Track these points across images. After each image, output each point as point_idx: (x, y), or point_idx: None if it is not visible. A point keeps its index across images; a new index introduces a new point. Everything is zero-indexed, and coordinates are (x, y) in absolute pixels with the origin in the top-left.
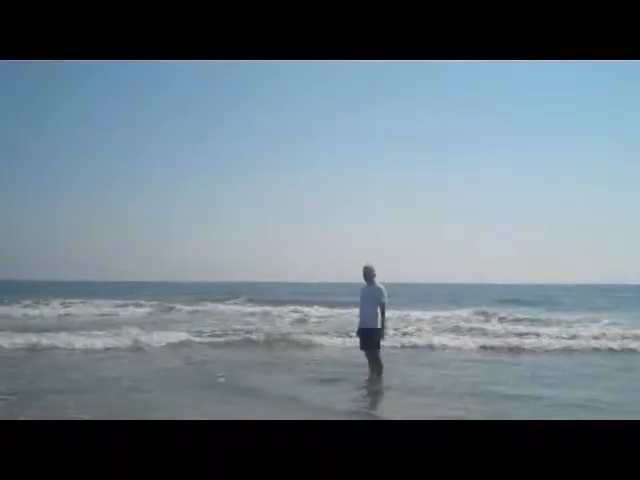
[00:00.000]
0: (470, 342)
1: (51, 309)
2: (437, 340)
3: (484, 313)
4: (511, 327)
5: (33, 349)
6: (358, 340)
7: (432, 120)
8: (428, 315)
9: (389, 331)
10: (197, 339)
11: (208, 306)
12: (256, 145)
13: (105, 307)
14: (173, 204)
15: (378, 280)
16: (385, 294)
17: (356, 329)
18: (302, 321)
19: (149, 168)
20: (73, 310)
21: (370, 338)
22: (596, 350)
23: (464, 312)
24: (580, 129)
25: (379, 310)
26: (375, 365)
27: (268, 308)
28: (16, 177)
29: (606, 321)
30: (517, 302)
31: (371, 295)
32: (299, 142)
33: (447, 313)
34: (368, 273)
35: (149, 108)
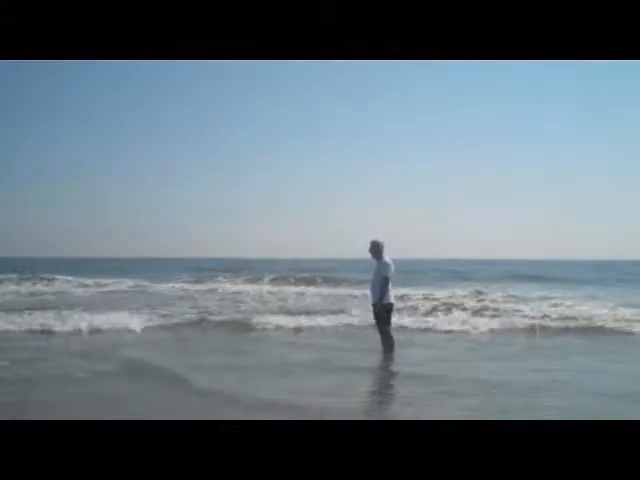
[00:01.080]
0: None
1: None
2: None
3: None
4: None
5: None
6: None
7: (444, 108)
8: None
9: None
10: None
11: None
12: (259, 136)
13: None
14: (181, 189)
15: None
16: (390, 268)
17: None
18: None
19: (158, 153)
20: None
21: (379, 312)
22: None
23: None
24: (579, 126)
25: (390, 284)
26: (387, 340)
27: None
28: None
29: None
30: (517, 278)
31: (379, 270)
32: (303, 133)
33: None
34: (373, 248)
35: (156, 104)
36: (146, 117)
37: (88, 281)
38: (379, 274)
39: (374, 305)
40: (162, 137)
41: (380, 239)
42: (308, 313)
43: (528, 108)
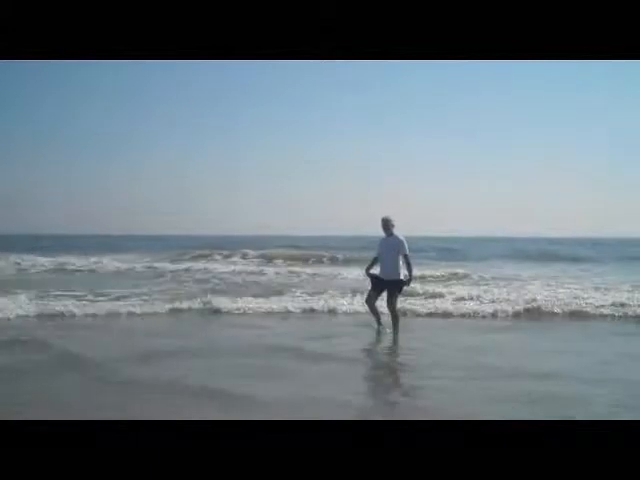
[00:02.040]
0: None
1: None
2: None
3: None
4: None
5: None
6: (370, 287)
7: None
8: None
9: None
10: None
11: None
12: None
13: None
14: (192, 161)
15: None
16: (407, 245)
17: (372, 278)
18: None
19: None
20: None
21: (392, 289)
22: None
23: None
24: (580, 111)
25: (401, 261)
26: (394, 318)
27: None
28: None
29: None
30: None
31: (392, 246)
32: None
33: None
34: (387, 224)
35: (156, 97)
36: (152, 108)
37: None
38: (394, 250)
39: (388, 281)
40: (164, 127)
41: (390, 215)
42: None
43: (528, 93)
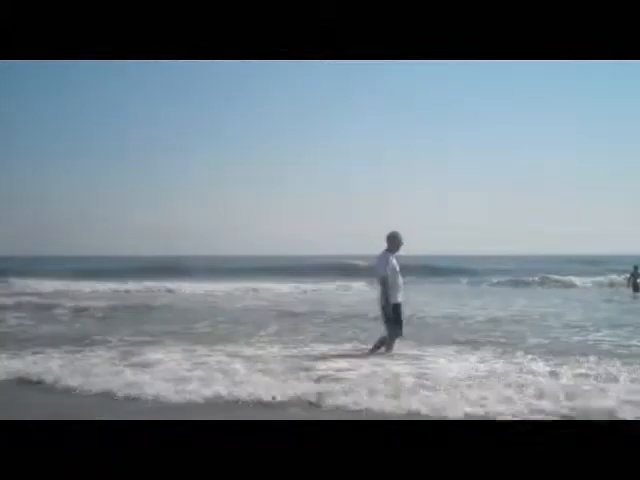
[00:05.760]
0: None
1: None
2: None
3: None
4: None
5: None
6: (390, 327)
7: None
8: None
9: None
10: None
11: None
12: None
13: None
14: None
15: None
16: None
17: (384, 304)
18: None
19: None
20: None
21: (401, 313)
22: None
23: None
24: (580, 121)
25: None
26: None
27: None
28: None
29: None
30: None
31: (397, 266)
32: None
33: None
34: (401, 241)
35: (148, 101)
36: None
37: None
38: (399, 270)
39: (399, 305)
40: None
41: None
42: None
43: (525, 105)
